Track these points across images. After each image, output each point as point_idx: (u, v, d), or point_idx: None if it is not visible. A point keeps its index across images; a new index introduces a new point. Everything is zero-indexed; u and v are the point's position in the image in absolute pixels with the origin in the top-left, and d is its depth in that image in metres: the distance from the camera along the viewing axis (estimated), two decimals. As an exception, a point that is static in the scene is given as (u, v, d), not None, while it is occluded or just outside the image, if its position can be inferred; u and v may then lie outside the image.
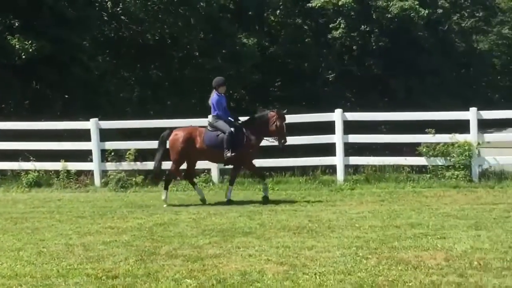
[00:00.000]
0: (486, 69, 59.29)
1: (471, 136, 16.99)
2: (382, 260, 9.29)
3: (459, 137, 17.13)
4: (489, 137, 18.81)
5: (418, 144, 17.62)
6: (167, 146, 15.91)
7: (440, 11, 54.32)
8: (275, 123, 15.15)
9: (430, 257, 9.31)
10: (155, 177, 17.42)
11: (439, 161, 17.27)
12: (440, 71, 51.77)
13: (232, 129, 15.31)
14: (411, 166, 18.11)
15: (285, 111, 15.66)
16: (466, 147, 16.84)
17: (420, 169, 18.24)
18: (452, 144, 17.09)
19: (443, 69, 52.33)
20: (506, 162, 17.67)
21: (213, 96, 15.63)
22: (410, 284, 8.13)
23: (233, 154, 15.07)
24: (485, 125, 20.65)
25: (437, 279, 8.26)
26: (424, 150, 17.40)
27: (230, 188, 15.67)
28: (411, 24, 50.60)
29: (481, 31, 60.68)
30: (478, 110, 17.10)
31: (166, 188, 15.80)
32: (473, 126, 16.98)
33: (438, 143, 17.28)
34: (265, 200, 15.23)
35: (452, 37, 56.58)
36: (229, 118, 15.66)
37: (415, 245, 10.08)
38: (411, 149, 18.24)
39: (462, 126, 17.77)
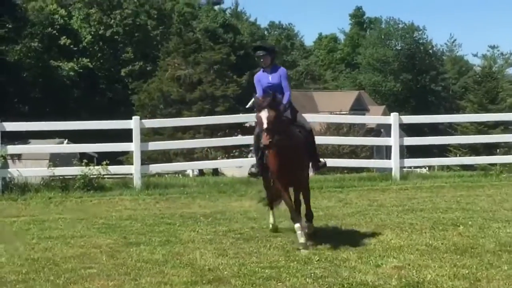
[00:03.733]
0: (15, 80, 59.14)
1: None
2: None
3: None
4: (13, 149, 18.71)
5: None
6: None
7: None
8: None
9: None
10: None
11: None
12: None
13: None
14: None
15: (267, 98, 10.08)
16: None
17: None
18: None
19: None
20: (30, 174, 17.89)
21: None
22: None
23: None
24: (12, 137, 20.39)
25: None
26: None
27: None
28: None
29: (11, 41, 60.53)
30: (2, 122, 16.98)
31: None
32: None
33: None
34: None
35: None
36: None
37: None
38: None
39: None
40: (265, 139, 9.58)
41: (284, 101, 10.53)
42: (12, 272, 8.97)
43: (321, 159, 11.00)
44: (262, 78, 10.87)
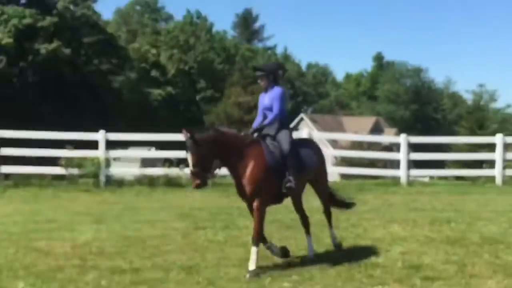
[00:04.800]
0: (118, 102, 59.93)
1: (100, 152, 17.06)
2: (20, 249, 8.83)
3: (90, 153, 17.15)
4: (114, 153, 18.89)
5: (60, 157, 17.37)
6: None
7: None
8: None
9: (59, 246, 9.05)
10: None
11: (75, 171, 17.10)
12: (80, 100, 51.89)
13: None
14: (53, 175, 17.64)
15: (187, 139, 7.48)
16: (96, 161, 16.89)
17: (61, 178, 17.75)
18: (85, 158, 17.05)
19: (82, 99, 52.34)
20: (125, 173, 18.17)
21: None
22: (38, 268, 7.82)
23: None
24: (115, 144, 20.37)
25: (63, 263, 8.05)
26: (64, 162, 17.15)
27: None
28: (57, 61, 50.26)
29: (116, 73, 61.45)
30: (106, 132, 17.22)
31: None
32: (102, 145, 17.06)
33: (74, 157, 17.13)
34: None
35: (94, 76, 56.60)
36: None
37: (48, 237, 9.72)
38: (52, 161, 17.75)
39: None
40: (193, 183, 7.44)
41: (266, 122, 8.06)
42: (111, 246, 9.10)
43: (289, 184, 7.76)
44: (261, 101, 8.28)
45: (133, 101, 66.56)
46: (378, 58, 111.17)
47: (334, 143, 48.98)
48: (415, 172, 19.66)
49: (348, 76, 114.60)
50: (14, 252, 8.65)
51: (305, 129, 21.08)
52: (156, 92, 71.62)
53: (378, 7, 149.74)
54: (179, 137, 21.89)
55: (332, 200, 9.08)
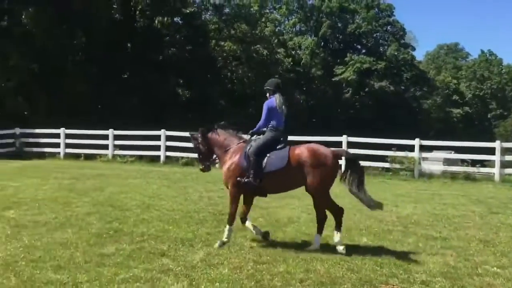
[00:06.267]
0: (426, 118, 57.06)
1: (415, 153, 16.63)
2: (361, 216, 8.94)
3: (409, 154, 16.80)
4: (424, 154, 18.15)
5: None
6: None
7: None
8: None
9: (389, 217, 9.05)
10: None
11: (397, 166, 16.93)
12: (398, 117, 50.71)
13: None
14: (382, 167, 17.62)
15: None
16: (411, 159, 16.55)
17: (387, 170, 17.66)
18: (405, 157, 16.80)
19: (399, 116, 51.14)
20: (433, 169, 17.26)
21: None
22: (374, 230, 7.92)
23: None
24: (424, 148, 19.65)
25: (391, 228, 8.03)
26: (390, 159, 17.13)
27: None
28: (384, 93, 49.49)
29: (426, 97, 58.67)
30: (420, 139, 16.71)
31: None
32: (416, 148, 16.62)
33: (397, 156, 16.98)
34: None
35: (411, 99, 55.08)
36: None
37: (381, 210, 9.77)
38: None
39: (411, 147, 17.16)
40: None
41: (255, 128, 6.62)
42: (424, 219, 8.71)
43: (246, 179, 6.34)
44: None
45: (438, 118, 63.11)
46: None
47: None
48: None
49: None
50: (358, 217, 8.81)
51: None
52: (456, 111, 66.71)
53: None
54: (474, 143, 19.05)
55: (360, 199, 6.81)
